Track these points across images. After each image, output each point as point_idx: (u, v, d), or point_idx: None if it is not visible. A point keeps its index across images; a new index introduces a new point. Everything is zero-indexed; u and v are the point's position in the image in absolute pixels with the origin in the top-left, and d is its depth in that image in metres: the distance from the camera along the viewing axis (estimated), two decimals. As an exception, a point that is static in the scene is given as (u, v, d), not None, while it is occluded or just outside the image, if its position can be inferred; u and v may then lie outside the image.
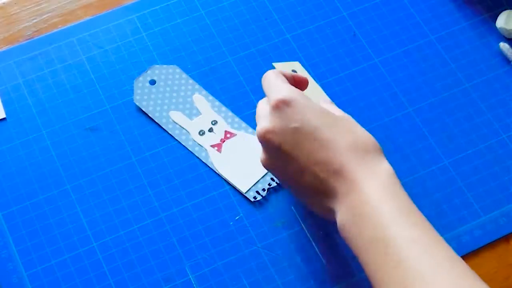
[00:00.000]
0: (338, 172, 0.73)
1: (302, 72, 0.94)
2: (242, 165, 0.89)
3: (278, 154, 0.77)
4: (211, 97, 0.93)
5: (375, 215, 0.70)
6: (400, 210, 0.71)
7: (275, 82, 0.79)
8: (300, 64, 0.95)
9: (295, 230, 0.86)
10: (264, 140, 0.77)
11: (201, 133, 0.91)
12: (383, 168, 0.74)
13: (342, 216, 0.73)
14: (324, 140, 0.74)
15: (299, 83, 0.83)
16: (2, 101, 0.93)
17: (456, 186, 0.89)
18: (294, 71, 0.94)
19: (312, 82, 0.92)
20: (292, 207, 0.87)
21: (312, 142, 0.74)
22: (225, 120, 0.92)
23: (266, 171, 0.89)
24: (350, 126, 0.77)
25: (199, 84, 0.94)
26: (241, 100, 0.94)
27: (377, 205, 0.71)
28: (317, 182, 0.75)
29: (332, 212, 0.75)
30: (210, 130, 0.91)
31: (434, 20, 0.99)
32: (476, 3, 1.01)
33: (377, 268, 0.69)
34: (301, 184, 0.77)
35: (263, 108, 0.80)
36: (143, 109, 0.92)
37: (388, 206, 0.71)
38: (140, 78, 0.94)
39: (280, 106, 0.76)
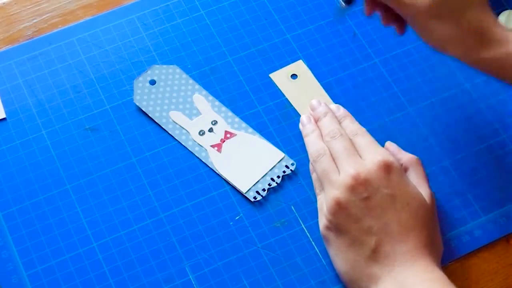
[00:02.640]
0: (378, 261, 0.77)
1: (305, 72, 0.94)
2: (242, 165, 0.89)
3: (366, 201, 0.79)
4: (211, 97, 0.93)
5: None
6: None
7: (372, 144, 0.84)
8: (303, 62, 0.95)
9: (295, 230, 0.86)
10: (360, 182, 0.80)
11: (201, 133, 0.91)
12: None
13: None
14: (406, 219, 0.78)
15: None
16: (2, 101, 0.93)
17: (456, 186, 0.89)
18: (294, 75, 0.94)
19: (315, 85, 0.91)
20: (292, 207, 0.87)
21: (397, 215, 0.78)
22: (225, 120, 0.92)
23: (266, 171, 0.89)
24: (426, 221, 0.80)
25: (199, 84, 0.94)
26: (241, 100, 0.94)
27: None
28: (361, 254, 0.78)
29: None
30: (210, 130, 0.91)
31: (434, 20, 0.99)
32: (476, 3, 1.01)
33: None
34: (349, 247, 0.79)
35: None
36: (143, 109, 0.92)
37: None
38: (140, 78, 0.94)
39: (383, 168, 0.81)
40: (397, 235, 0.76)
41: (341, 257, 0.79)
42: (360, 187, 0.77)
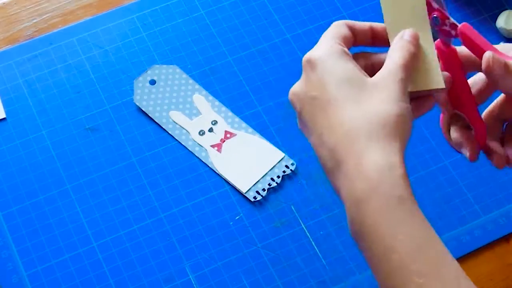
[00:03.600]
0: (339, 168, 0.62)
1: None
2: (242, 165, 0.89)
3: (300, 119, 0.67)
4: (211, 97, 0.93)
5: (384, 257, 0.60)
6: (412, 254, 0.60)
7: (323, 35, 0.67)
8: None
9: (295, 230, 0.86)
10: (289, 100, 0.67)
11: (201, 133, 0.91)
12: (392, 172, 0.60)
13: (350, 223, 0.63)
14: (332, 119, 0.62)
15: (376, 38, 0.68)
16: (2, 101, 0.93)
17: (456, 186, 0.89)
18: None
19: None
20: (292, 207, 0.87)
21: (325, 119, 0.63)
22: (225, 120, 0.92)
23: (266, 171, 0.89)
24: (375, 102, 0.62)
25: (199, 84, 0.94)
26: (241, 100, 0.94)
27: (386, 244, 0.61)
28: (324, 165, 0.64)
29: (343, 201, 0.64)
30: (210, 130, 0.91)
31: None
32: (476, 3, 1.01)
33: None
34: (317, 155, 0.65)
35: None
36: (143, 109, 0.92)
37: (399, 247, 0.60)
38: (140, 78, 0.94)
39: (305, 67, 0.65)
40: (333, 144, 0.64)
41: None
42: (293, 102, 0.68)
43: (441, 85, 0.64)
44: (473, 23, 1.00)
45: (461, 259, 0.85)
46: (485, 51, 0.65)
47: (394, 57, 0.64)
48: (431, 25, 0.67)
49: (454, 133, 0.70)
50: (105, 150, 0.90)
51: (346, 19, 0.99)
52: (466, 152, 0.69)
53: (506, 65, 0.64)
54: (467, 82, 0.68)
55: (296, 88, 0.66)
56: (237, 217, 0.87)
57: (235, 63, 0.96)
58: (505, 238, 0.87)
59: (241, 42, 0.98)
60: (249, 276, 0.83)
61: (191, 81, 0.94)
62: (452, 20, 0.67)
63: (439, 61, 0.65)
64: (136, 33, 0.98)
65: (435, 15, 0.68)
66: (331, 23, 0.99)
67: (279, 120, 0.92)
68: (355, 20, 1.01)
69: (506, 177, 0.90)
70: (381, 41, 0.68)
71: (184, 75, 0.95)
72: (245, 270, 0.84)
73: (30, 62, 0.95)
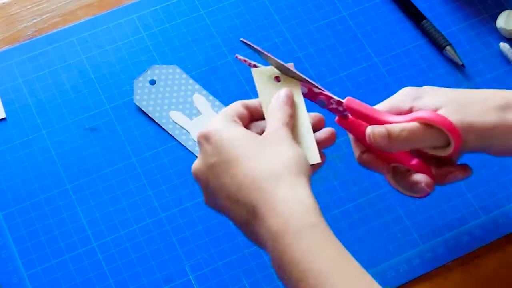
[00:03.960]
0: (255, 216, 0.65)
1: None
2: (242, 165, 0.89)
3: (208, 193, 0.70)
4: (211, 97, 0.93)
5: (304, 281, 0.62)
6: (327, 273, 0.62)
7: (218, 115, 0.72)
8: (293, 65, 0.85)
9: (295, 230, 0.86)
10: (195, 180, 0.71)
11: (201, 133, 0.91)
12: (301, 203, 0.65)
13: (272, 262, 0.65)
14: (241, 174, 0.66)
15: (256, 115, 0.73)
16: (2, 101, 0.93)
17: (456, 186, 0.89)
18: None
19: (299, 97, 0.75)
20: (292, 207, 0.87)
21: (230, 178, 0.67)
22: (225, 120, 0.92)
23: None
24: (273, 150, 0.67)
25: (199, 84, 0.94)
26: (241, 100, 0.93)
27: (303, 267, 0.62)
28: (241, 223, 0.67)
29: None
30: (210, 130, 0.91)
31: (434, 20, 0.99)
32: (476, 3, 1.01)
33: None
34: (234, 221, 0.69)
35: None
36: (143, 109, 0.92)
37: (316, 268, 0.62)
38: (140, 78, 0.94)
39: (201, 142, 0.70)
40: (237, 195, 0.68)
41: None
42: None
43: (317, 160, 0.69)
44: (473, 23, 1.00)
45: (461, 259, 0.85)
46: (372, 117, 0.71)
47: (276, 116, 0.70)
48: (320, 106, 0.73)
49: (402, 183, 0.74)
50: (105, 150, 0.90)
51: (346, 19, 0.99)
52: (422, 190, 0.73)
53: (389, 135, 0.69)
54: None
55: (196, 165, 0.70)
56: (237, 217, 0.86)
57: (235, 63, 0.96)
58: (505, 238, 0.87)
59: (241, 42, 0.97)
60: (249, 276, 0.83)
61: (191, 81, 0.94)
62: (336, 98, 0.72)
63: (314, 138, 0.70)
64: (136, 33, 0.98)
65: (319, 99, 0.72)
66: (331, 23, 0.99)
67: (279, 120, 0.92)
68: (355, 20, 1.01)
69: (506, 177, 0.90)
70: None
71: (184, 75, 0.95)
72: (245, 270, 0.84)
73: (30, 62, 0.95)
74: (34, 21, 0.99)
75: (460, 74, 0.96)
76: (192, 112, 0.92)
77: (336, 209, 0.87)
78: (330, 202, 0.88)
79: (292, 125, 0.70)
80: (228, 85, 0.94)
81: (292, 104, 0.71)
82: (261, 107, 0.72)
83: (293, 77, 0.73)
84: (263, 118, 0.71)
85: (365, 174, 0.89)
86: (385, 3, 1.01)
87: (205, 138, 0.69)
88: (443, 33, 0.98)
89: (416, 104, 0.72)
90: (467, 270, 0.85)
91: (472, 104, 0.71)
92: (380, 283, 0.84)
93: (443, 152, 0.71)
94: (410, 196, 0.74)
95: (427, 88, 0.75)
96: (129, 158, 0.90)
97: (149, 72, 0.94)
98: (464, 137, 0.70)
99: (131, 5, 1.00)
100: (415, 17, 0.99)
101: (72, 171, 0.89)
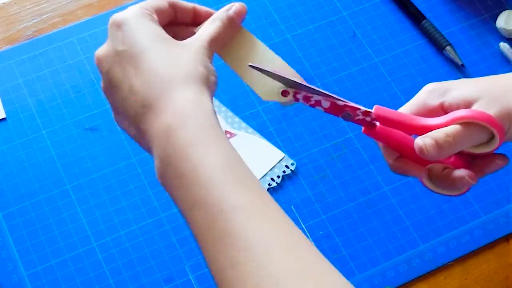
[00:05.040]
0: (150, 109, 0.63)
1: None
2: (242, 165, 0.89)
3: (108, 80, 0.67)
4: (211, 97, 0.93)
5: (195, 174, 0.60)
6: (222, 167, 0.60)
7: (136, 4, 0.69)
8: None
9: (295, 230, 0.86)
10: (96, 65, 0.67)
11: (201, 133, 0.91)
12: (203, 105, 0.63)
13: (158, 164, 0.62)
14: (145, 67, 0.64)
15: (198, 19, 0.70)
16: (2, 101, 0.93)
17: (456, 186, 0.89)
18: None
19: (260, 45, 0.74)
20: (292, 207, 0.87)
21: (136, 69, 0.64)
22: (225, 120, 0.92)
23: (266, 171, 0.89)
24: (184, 56, 0.65)
25: (199, 84, 0.94)
26: (241, 100, 0.93)
27: (195, 161, 0.60)
28: (134, 116, 0.65)
29: (152, 153, 0.64)
30: (210, 130, 0.91)
31: (434, 20, 0.99)
32: (476, 3, 1.01)
33: (203, 233, 0.59)
34: (124, 114, 0.67)
35: None
36: (143, 109, 0.92)
37: (209, 162, 0.60)
38: (140, 78, 0.94)
39: (111, 28, 0.67)
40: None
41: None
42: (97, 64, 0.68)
43: (263, 96, 0.70)
44: (473, 23, 1.00)
45: (461, 259, 0.85)
46: (405, 123, 0.67)
47: (207, 28, 0.67)
48: (344, 120, 0.69)
49: (440, 182, 0.71)
50: (105, 150, 0.90)
51: (346, 19, 0.99)
52: (466, 183, 0.69)
53: (437, 144, 0.66)
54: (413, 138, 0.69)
55: (102, 50, 0.67)
56: (237, 217, 0.86)
57: (235, 63, 0.96)
58: (505, 238, 0.87)
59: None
60: (249, 276, 0.83)
61: (191, 81, 0.94)
62: (363, 108, 0.68)
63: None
64: (136, 33, 0.98)
65: (345, 112, 0.68)
66: (331, 23, 0.99)
67: (279, 120, 0.92)
68: (355, 20, 1.01)
69: (506, 177, 0.90)
70: (201, 21, 0.70)
71: (184, 75, 0.95)
72: (245, 270, 0.84)
73: (30, 62, 0.95)
74: (34, 21, 0.99)
75: (460, 74, 0.96)
76: (192, 112, 0.92)
77: (336, 209, 0.87)
78: (330, 202, 0.88)
79: (224, 48, 0.69)
80: (228, 85, 0.94)
81: (233, 26, 0.69)
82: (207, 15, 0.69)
83: (312, 93, 0.68)
84: (188, 23, 0.70)
85: (365, 174, 0.90)
86: (385, 3, 1.01)
87: (116, 25, 0.67)
88: (443, 33, 0.98)
89: (445, 99, 0.69)
90: (467, 270, 0.85)
91: (506, 92, 0.68)
92: (380, 283, 0.84)
93: (486, 148, 0.68)
94: (449, 195, 0.71)
95: (450, 81, 0.71)
96: (129, 158, 0.90)
97: (149, 72, 0.94)
98: (506, 127, 0.67)
99: (131, 5, 0.99)
100: (415, 17, 0.99)
101: (72, 171, 0.89)
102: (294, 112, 0.93)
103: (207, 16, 0.70)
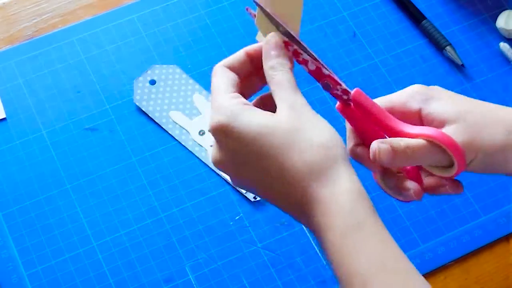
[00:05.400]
0: (301, 211, 0.62)
1: None
2: (242, 165, 0.89)
3: (239, 180, 0.66)
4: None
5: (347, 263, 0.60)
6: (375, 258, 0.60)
7: (214, 91, 0.66)
8: None
9: (295, 230, 0.86)
10: (218, 168, 0.66)
11: (201, 133, 0.91)
12: (343, 188, 0.61)
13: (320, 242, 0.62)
14: (273, 170, 0.61)
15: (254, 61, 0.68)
16: (2, 101, 0.93)
17: (456, 186, 0.89)
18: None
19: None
20: (292, 207, 0.87)
21: (264, 172, 0.62)
22: (225, 120, 0.92)
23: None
24: (300, 137, 0.62)
25: (199, 84, 0.94)
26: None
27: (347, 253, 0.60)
28: (284, 207, 0.64)
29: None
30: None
31: (434, 20, 0.99)
32: (476, 3, 1.01)
33: None
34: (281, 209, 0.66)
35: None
36: (143, 109, 0.92)
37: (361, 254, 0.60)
38: (140, 78, 0.94)
39: (217, 134, 0.63)
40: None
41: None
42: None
43: None
44: (473, 23, 1.00)
45: (461, 259, 0.85)
46: (377, 117, 0.66)
47: (285, 92, 0.64)
48: (322, 88, 0.68)
49: (391, 184, 0.71)
50: (105, 150, 0.90)
51: (346, 19, 0.99)
52: (410, 197, 0.70)
53: (393, 151, 0.65)
54: (383, 135, 0.68)
55: (216, 158, 0.65)
56: (237, 217, 0.86)
57: (235, 63, 0.96)
58: (505, 238, 0.87)
59: (241, 42, 0.97)
60: (249, 276, 0.83)
61: (191, 81, 0.94)
62: (344, 86, 0.67)
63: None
64: (136, 33, 0.98)
65: (325, 81, 0.68)
66: (331, 23, 0.99)
67: (279, 120, 0.92)
68: (355, 20, 1.01)
69: (506, 177, 0.89)
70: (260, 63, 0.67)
71: (184, 75, 0.95)
72: (245, 270, 0.84)
73: (30, 62, 0.95)
74: (34, 21, 0.99)
75: (460, 74, 0.96)
76: (192, 112, 0.92)
77: (336, 209, 0.87)
78: (330, 202, 0.88)
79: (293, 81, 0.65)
80: (228, 85, 0.94)
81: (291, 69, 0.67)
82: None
83: (303, 51, 0.69)
84: (249, 73, 0.67)
85: (365, 174, 0.89)
86: (385, 3, 1.01)
87: (221, 132, 0.63)
88: (443, 33, 0.98)
89: (425, 107, 0.68)
90: (467, 270, 0.85)
91: (483, 125, 0.67)
92: (380, 283, 0.84)
93: (445, 172, 0.67)
94: (395, 198, 0.71)
95: (437, 89, 0.70)
96: (129, 158, 0.90)
97: (149, 72, 0.94)
98: (470, 159, 0.66)
99: (131, 5, 1.00)
100: (415, 17, 0.99)
101: (72, 171, 0.89)
102: (294, 112, 0.93)
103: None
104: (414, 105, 0.69)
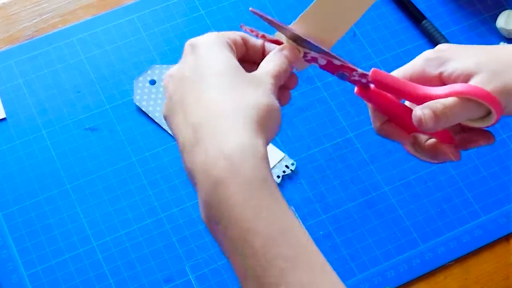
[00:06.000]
0: (198, 144, 0.60)
1: None
2: (242, 165, 0.89)
3: (169, 102, 0.64)
4: (211, 97, 0.93)
5: (243, 241, 0.58)
6: (274, 237, 0.57)
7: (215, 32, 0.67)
8: None
9: (295, 230, 0.86)
10: (164, 86, 0.66)
11: (201, 133, 0.91)
12: (256, 153, 0.60)
13: (203, 209, 0.61)
14: (205, 98, 0.61)
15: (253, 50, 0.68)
16: (2, 101, 0.93)
17: (456, 186, 0.89)
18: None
19: None
20: (292, 207, 0.87)
21: (194, 97, 0.62)
22: (225, 120, 0.92)
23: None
24: (250, 91, 0.62)
25: (199, 84, 0.94)
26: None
27: (244, 226, 0.58)
28: (183, 145, 0.62)
29: (194, 188, 0.61)
30: (210, 130, 0.91)
31: (434, 20, 0.99)
32: (476, 3, 1.01)
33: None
34: (177, 139, 0.63)
35: None
36: (143, 109, 0.92)
37: (260, 229, 0.57)
38: (140, 78, 0.94)
39: (186, 50, 0.66)
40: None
41: None
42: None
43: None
44: (473, 23, 1.00)
45: (461, 259, 0.85)
46: (401, 89, 0.66)
47: (271, 64, 0.65)
48: (339, 79, 0.69)
49: (426, 148, 0.70)
50: (105, 150, 0.90)
51: (346, 19, 0.99)
52: (448, 159, 0.69)
53: (435, 115, 0.65)
54: (406, 107, 0.68)
55: (172, 70, 0.65)
56: (237, 217, 0.86)
57: (235, 63, 0.96)
58: (505, 238, 0.87)
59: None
60: (249, 276, 0.83)
61: (191, 81, 0.94)
62: (360, 70, 0.67)
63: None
64: (136, 33, 0.98)
65: (340, 72, 0.68)
66: (331, 23, 0.99)
67: (279, 120, 0.92)
68: (357, 22, 1.01)
69: (506, 177, 0.90)
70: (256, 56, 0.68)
71: (184, 75, 0.95)
72: (245, 270, 0.84)
73: (30, 62, 0.95)
74: (34, 21, 0.99)
75: (460, 74, 0.96)
76: (192, 112, 0.92)
77: (336, 209, 0.87)
78: (330, 202, 0.88)
79: (280, 82, 0.65)
80: (228, 85, 0.94)
81: (291, 63, 0.67)
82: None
83: (310, 49, 0.68)
84: (258, 60, 0.67)
85: (365, 174, 0.90)
86: (385, 3, 1.01)
87: (191, 48, 0.65)
88: (443, 33, 0.98)
89: (445, 69, 0.67)
90: (467, 270, 0.85)
91: (505, 67, 0.67)
92: (380, 283, 0.84)
93: (484, 122, 0.67)
94: (431, 162, 0.70)
95: (447, 49, 0.69)
96: (129, 158, 0.90)
97: (149, 72, 0.94)
98: (504, 103, 0.66)
99: (131, 5, 1.00)
100: (415, 17, 0.99)
101: (72, 171, 0.89)
102: (294, 112, 0.93)
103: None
104: (433, 71, 0.68)
